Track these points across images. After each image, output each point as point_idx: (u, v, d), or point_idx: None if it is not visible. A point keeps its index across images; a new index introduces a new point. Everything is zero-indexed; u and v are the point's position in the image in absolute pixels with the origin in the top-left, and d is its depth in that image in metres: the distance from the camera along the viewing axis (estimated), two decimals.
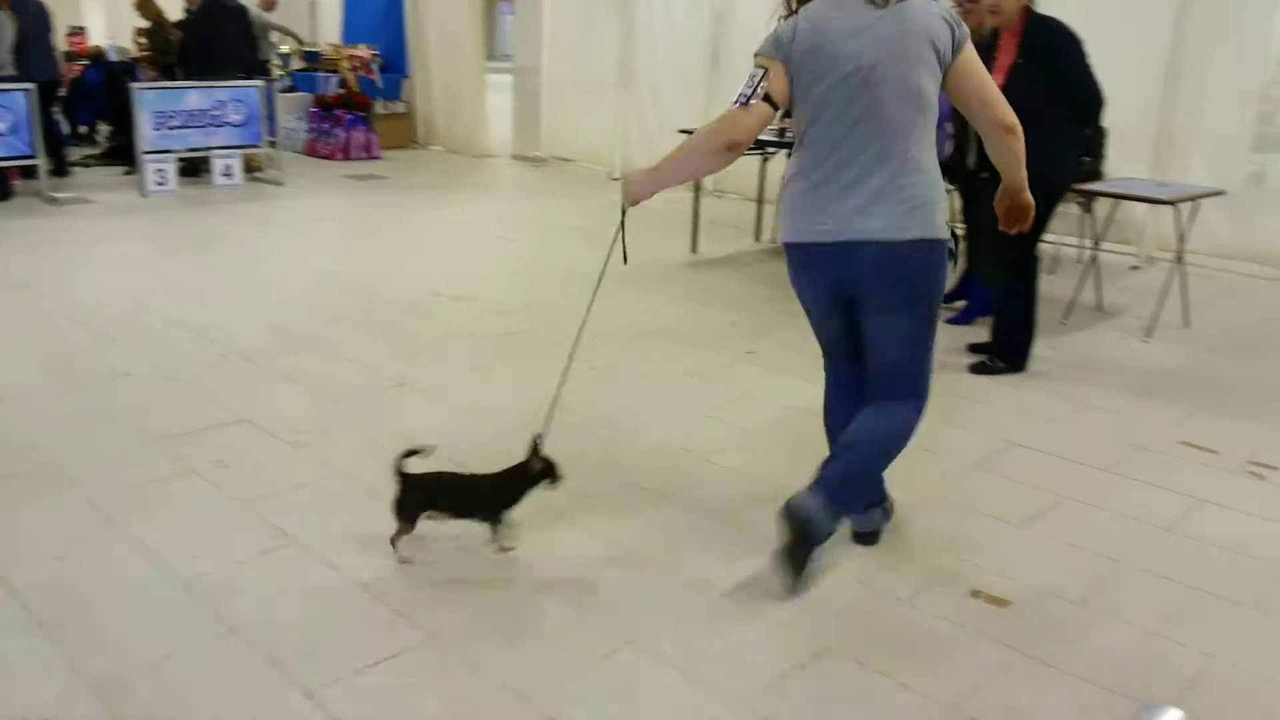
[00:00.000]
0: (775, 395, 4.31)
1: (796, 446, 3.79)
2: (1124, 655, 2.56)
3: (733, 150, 2.67)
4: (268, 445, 3.68)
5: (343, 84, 11.17)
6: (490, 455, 3.62)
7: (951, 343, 4.98)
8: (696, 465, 3.62)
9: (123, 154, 9.37)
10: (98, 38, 15.09)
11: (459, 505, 2.89)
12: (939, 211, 2.66)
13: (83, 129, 11.29)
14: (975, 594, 2.81)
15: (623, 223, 3.05)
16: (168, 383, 4.27)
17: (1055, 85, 4.23)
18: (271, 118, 9.49)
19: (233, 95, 8.88)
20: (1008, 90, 3.63)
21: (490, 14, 33.22)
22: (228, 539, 3.00)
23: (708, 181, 9.03)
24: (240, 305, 5.43)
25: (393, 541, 2.86)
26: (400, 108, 11.86)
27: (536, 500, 2.93)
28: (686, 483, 3.47)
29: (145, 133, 8.42)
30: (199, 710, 2.27)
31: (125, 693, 2.31)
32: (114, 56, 11.91)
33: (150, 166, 8.43)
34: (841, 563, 2.95)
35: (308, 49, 11.85)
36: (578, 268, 6.41)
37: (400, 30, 11.74)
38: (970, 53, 2.63)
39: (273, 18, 11.26)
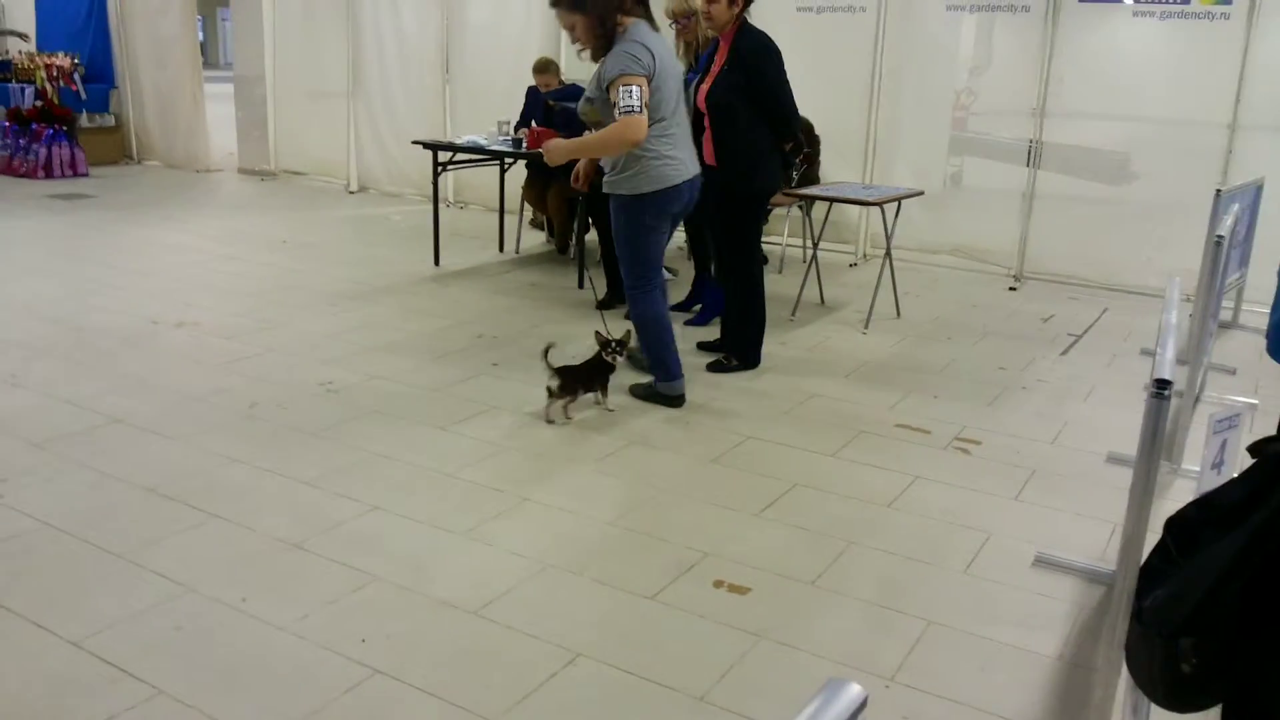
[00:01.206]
0: (515, 405, 4.31)
1: (535, 455, 3.82)
2: (854, 629, 2.74)
3: (635, 146, 3.92)
4: None
5: (40, 95, 10.21)
6: (212, 491, 3.42)
7: (687, 344, 5.17)
8: (445, 482, 3.56)
9: None
10: None
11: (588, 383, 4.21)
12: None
13: None
14: (718, 584, 2.92)
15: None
16: None
17: (752, 94, 4.47)
18: None
19: None
20: (710, 95, 3.75)
21: (209, 20, 31.36)
22: None
23: (449, 193, 8.96)
24: None
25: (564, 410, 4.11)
26: (109, 120, 10.98)
27: None
28: (424, 502, 3.41)
29: None
30: None
31: None
32: None
33: None
34: (587, 565, 2.99)
35: (3, 59, 10.75)
36: (312, 286, 6.17)
37: (105, 37, 10.86)
38: None
39: None
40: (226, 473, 3.57)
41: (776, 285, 5.26)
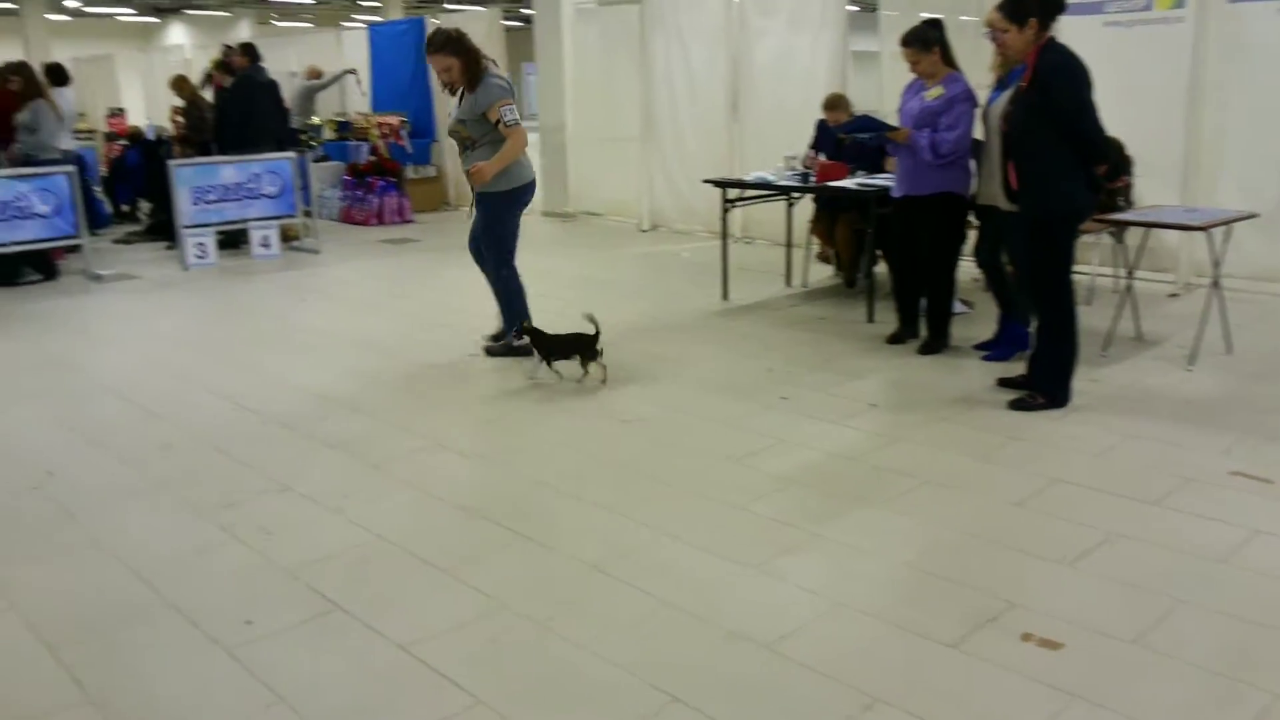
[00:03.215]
0: (808, 440, 4.28)
1: (827, 492, 3.77)
2: (1184, 697, 2.49)
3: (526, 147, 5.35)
4: (310, 511, 3.71)
5: (374, 151, 11.40)
6: (522, 512, 3.63)
7: (986, 379, 4.94)
8: (736, 514, 3.59)
9: (163, 230, 9.60)
10: (136, 118, 15.56)
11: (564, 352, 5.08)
12: None
13: (124, 207, 11.59)
14: (1026, 637, 2.75)
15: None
16: (210, 453, 4.32)
17: (1051, 115, 4.22)
18: (306, 188, 9.68)
19: (267, 167, 9.09)
20: (1011, 116, 3.54)
21: (515, 75, 33.84)
22: (273, 606, 3.02)
23: (736, 229, 9.10)
24: (280, 373, 5.51)
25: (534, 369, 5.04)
26: (430, 171, 12.06)
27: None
28: (716, 532, 3.45)
29: (184, 208, 8.63)
30: None
31: None
32: (151, 135, 12.24)
33: (190, 240, 8.63)
34: (883, 607, 2.91)
35: (342, 119, 12.13)
36: (609, 320, 6.45)
37: (427, 96, 11.98)
38: None
39: (315, 83, 11.61)
40: (534, 496, 3.80)
41: (1086, 318, 4.91)
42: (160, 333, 6.54)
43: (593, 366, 5.06)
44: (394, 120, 11.67)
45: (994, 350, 5.41)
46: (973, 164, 5.29)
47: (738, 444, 4.27)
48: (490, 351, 5.68)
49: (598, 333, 5.02)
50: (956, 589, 3.02)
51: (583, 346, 5.04)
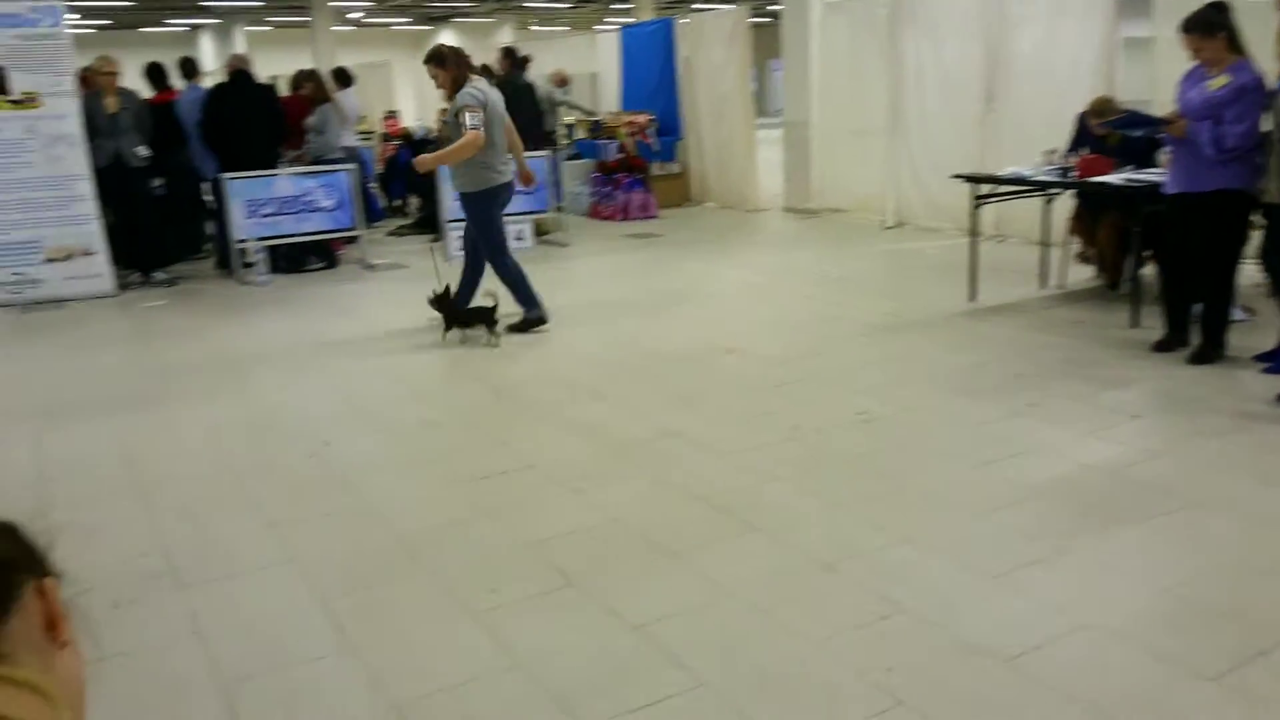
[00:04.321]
0: (1059, 450, 4.06)
1: (1078, 505, 3.55)
2: None
3: (478, 151, 5.85)
4: (552, 490, 3.90)
5: (621, 149, 11.75)
6: (754, 505, 3.65)
7: (1266, 393, 4.50)
8: (977, 522, 3.47)
9: (430, 223, 10.31)
10: (408, 120, 16.78)
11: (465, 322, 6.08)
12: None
13: (396, 202, 12.54)
14: None
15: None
16: (467, 431, 4.63)
17: None
18: (558, 184, 10.11)
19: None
20: None
21: (761, 71, 33.84)
22: (515, 578, 3.20)
23: (987, 226, 8.71)
24: (531, 360, 5.81)
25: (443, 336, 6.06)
26: (675, 168, 12.30)
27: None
28: (955, 539, 3.33)
29: (447, 203, 9.23)
30: None
31: (425, 715, 2.50)
32: (420, 135, 13.16)
33: (453, 233, 9.21)
34: (1135, 631, 2.72)
35: (593, 119, 12.60)
36: (849, 318, 6.37)
37: (673, 96, 12.22)
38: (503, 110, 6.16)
39: (561, 93, 12.07)
40: (768, 490, 3.81)
41: None
42: (423, 318, 7.02)
43: (490, 335, 6.04)
44: (641, 119, 11.98)
45: (1276, 362, 4.91)
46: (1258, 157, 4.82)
47: (980, 449, 4.10)
48: (513, 328, 6.28)
49: (495, 306, 6.00)
50: (1222, 619, 2.78)
51: (484, 317, 6.01)
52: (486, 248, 6.20)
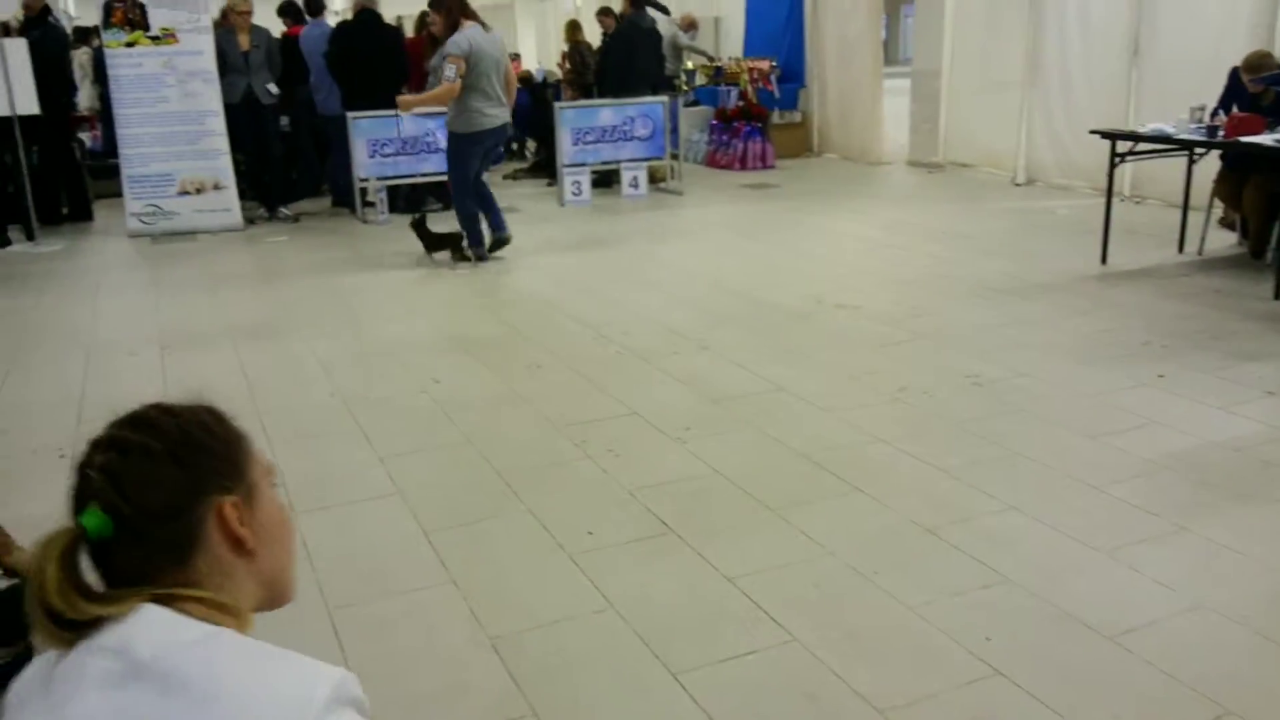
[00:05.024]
0: (1184, 424, 3.86)
1: (1200, 482, 3.38)
2: None
3: (451, 99, 6.34)
4: (654, 438, 3.91)
5: (742, 96, 11.56)
6: (858, 464, 3.60)
7: None
8: (1090, 494, 3.34)
9: (546, 168, 10.37)
10: (529, 63, 16.85)
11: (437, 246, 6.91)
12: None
13: (514, 146, 12.63)
14: None
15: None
16: (571, 375, 4.67)
17: None
18: (675, 131, 10.03)
19: (641, 111, 9.51)
20: None
21: (892, 18, 32.76)
22: (613, 522, 3.23)
23: (1124, 186, 8.30)
24: (638, 307, 5.81)
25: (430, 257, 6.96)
26: (796, 117, 12.05)
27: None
28: (1065, 511, 3.21)
29: (565, 148, 9.26)
30: (578, 674, 2.47)
31: (518, 650, 2.56)
32: (540, 77, 13.20)
33: (568, 179, 9.26)
34: (1252, 615, 2.58)
35: (715, 65, 12.42)
36: (967, 277, 6.17)
37: (799, 41, 11.92)
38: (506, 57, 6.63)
39: (688, 39, 11.91)
40: (872, 450, 3.74)
41: None
42: (536, 265, 7.10)
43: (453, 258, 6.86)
44: (764, 65, 11.74)
45: None
46: None
47: (1099, 419, 3.94)
48: (451, 251, 6.92)
49: (461, 234, 6.83)
50: None
51: (451, 242, 6.83)
52: (453, 182, 6.78)
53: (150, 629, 0.95)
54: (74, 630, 0.95)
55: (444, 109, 6.76)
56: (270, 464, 1.13)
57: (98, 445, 1.02)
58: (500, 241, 6.98)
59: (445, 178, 8.81)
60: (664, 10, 10.81)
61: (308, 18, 9.33)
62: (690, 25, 12.29)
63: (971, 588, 2.78)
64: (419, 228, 6.97)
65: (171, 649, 0.94)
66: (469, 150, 6.61)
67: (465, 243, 6.88)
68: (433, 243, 6.93)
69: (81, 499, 1.00)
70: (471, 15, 6.47)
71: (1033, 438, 3.80)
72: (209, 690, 0.91)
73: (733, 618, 2.68)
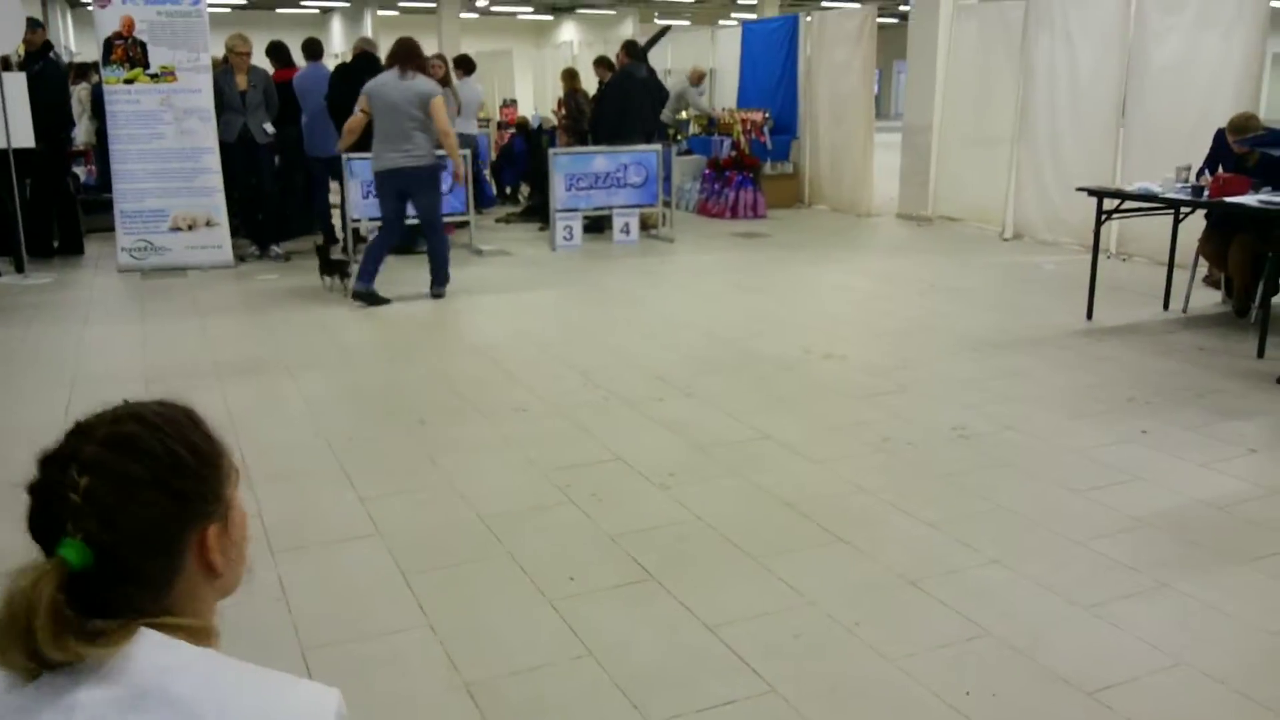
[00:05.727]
0: (1168, 481, 3.87)
1: (1183, 539, 3.38)
2: None
3: (355, 138, 6.99)
4: (638, 484, 3.89)
5: (735, 146, 11.68)
6: (841, 515, 3.58)
7: None
8: (1073, 549, 3.33)
9: (538, 212, 10.43)
10: (525, 109, 17.01)
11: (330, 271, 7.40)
12: (422, 153, 6.72)
13: (508, 190, 12.72)
14: None
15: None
16: (557, 419, 4.66)
17: None
18: (667, 179, 10.11)
19: (635, 158, 9.60)
20: None
21: (885, 73, 33.25)
22: (594, 567, 3.21)
23: (1111, 243, 8.38)
24: (626, 353, 5.82)
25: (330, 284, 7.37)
26: (788, 168, 12.17)
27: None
28: (1048, 565, 3.20)
29: (558, 193, 9.32)
30: None
31: (495, 697, 2.53)
32: (535, 124, 13.32)
33: (560, 223, 9.31)
34: (1233, 675, 2.57)
35: (709, 116, 12.55)
36: (954, 330, 6.20)
37: (793, 93, 12.08)
38: (438, 104, 6.67)
39: (696, 93, 12.04)
40: (856, 500, 3.74)
41: None
42: (527, 307, 7.11)
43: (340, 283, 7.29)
44: (757, 116, 11.89)
45: None
46: None
47: (1084, 474, 3.95)
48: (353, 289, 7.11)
49: (347, 261, 7.56)
50: None
51: (339, 269, 7.33)
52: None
53: (150, 654, 0.93)
54: (50, 665, 0.91)
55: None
56: (236, 465, 1.10)
57: (72, 461, 0.95)
58: (358, 294, 6.94)
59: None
60: (650, 70, 10.89)
61: (306, 61, 9.42)
62: (699, 79, 12.41)
63: (953, 641, 2.76)
64: (319, 250, 7.54)
65: (174, 674, 0.92)
66: (377, 187, 7.02)
67: (350, 270, 7.23)
68: (323, 267, 7.40)
69: (56, 523, 0.92)
70: (398, 62, 6.68)
71: (1017, 491, 3.80)
72: (220, 716, 0.91)
73: (712, 667, 2.65)
